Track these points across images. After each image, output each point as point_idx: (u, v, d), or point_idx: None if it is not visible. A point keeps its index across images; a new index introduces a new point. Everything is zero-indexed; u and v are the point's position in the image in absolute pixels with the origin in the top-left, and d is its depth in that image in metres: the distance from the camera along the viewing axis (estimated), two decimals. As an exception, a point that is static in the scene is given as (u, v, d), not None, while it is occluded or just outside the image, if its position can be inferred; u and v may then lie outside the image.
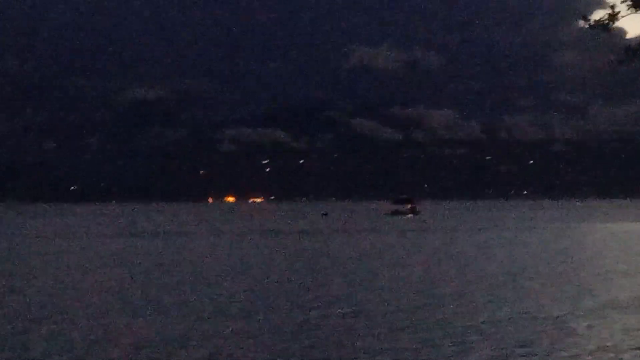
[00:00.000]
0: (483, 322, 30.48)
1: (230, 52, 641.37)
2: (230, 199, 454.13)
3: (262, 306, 35.65)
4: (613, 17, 8.40)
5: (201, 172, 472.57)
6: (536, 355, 24.61)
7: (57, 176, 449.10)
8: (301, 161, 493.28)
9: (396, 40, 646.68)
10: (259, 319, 31.91)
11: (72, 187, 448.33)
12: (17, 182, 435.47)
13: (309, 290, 41.38)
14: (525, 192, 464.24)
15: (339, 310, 33.94)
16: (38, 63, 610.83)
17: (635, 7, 7.70)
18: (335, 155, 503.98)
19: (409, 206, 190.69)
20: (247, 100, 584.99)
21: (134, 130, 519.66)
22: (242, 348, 26.07)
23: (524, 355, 24.61)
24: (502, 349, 25.30)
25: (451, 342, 26.58)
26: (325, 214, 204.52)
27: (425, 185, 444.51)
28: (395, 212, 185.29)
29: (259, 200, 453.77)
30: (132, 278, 48.60)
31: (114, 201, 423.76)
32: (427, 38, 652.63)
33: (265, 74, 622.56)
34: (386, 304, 35.90)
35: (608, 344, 26.05)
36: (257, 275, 50.10)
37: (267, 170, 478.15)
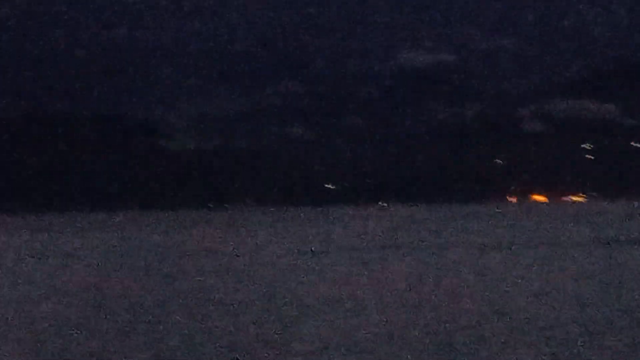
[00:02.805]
0: None
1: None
2: (539, 197, 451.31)
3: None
4: None
5: (497, 160, 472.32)
6: None
7: (304, 170, 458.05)
8: (634, 144, 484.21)
9: None
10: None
11: (327, 185, 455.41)
12: (255, 179, 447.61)
13: None
14: None
15: None
16: (281, 17, 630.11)
17: None
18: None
19: None
20: (562, 62, 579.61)
21: (409, 107, 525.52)
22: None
23: None
24: None
25: None
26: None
27: None
28: None
29: (579, 199, 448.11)
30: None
31: (381, 202, 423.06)
32: None
33: (590, 23, 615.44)
34: None
35: None
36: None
37: (590, 157, 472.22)
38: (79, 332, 46.95)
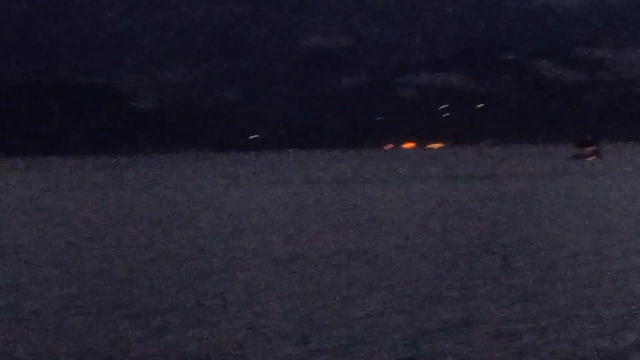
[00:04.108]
0: None
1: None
2: (409, 145, 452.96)
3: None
4: None
5: (378, 118, 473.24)
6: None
7: (238, 125, 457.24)
8: (480, 105, 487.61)
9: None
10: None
11: (252, 136, 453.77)
12: (197, 132, 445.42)
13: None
14: None
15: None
16: (218, 11, 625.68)
17: None
18: (516, 98, 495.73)
19: (592, 149, 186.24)
20: (425, 45, 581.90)
21: (314, 77, 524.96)
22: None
23: None
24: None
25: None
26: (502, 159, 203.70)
27: (610, 127, 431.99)
28: (578, 156, 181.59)
29: (438, 145, 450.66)
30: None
31: (290, 149, 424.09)
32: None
33: (444, 16, 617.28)
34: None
35: None
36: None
37: (446, 115, 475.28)
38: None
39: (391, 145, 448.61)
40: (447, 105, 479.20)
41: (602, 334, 20.16)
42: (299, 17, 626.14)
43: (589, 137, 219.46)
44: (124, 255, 37.18)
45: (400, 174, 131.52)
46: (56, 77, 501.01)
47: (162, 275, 31.29)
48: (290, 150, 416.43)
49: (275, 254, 36.13)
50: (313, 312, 23.15)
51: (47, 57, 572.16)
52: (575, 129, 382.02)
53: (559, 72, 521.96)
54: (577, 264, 31.20)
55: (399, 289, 26.34)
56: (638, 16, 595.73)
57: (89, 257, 36.41)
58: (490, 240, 40.67)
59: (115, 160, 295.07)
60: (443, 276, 29.24)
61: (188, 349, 19.67)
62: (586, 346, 19.07)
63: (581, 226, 45.26)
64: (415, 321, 21.72)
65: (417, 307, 23.51)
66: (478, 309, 23.32)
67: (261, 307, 24.27)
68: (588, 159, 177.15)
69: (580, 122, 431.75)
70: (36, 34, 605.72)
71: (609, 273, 29.05)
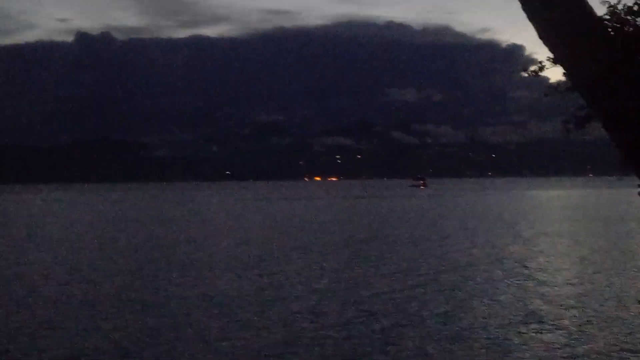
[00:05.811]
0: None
1: (317, 92, 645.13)
2: (318, 178, 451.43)
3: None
4: (541, 68, 8.32)
5: (300, 162, 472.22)
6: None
7: (218, 166, 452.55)
8: (359, 156, 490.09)
9: (416, 85, 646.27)
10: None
11: (227, 172, 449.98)
12: (193, 170, 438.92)
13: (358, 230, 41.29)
14: (489, 173, 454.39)
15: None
16: (202, 98, 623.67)
17: (554, 63, 7.85)
18: (379, 152, 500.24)
19: (422, 182, 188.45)
20: (328, 120, 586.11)
21: (261, 139, 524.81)
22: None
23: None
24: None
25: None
26: (371, 187, 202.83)
27: (431, 170, 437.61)
28: (414, 185, 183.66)
29: (334, 179, 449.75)
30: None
31: (251, 180, 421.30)
32: (434, 84, 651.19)
33: (339, 105, 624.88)
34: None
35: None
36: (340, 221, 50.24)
37: (339, 161, 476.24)
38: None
39: (307, 179, 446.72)
40: (339, 156, 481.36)
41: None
42: (252, 101, 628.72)
43: (420, 175, 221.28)
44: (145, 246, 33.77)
45: (313, 196, 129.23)
46: (101, 136, 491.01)
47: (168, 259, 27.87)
48: (250, 181, 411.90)
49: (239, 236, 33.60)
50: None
51: (99, 123, 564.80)
52: (413, 170, 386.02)
53: (404, 138, 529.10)
54: (405, 251, 29.28)
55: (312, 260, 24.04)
56: (450, 105, 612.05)
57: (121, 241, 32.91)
58: (370, 234, 38.79)
59: (140, 187, 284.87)
60: (329, 255, 26.97)
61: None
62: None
63: (406, 225, 43.81)
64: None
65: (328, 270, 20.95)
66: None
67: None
68: (420, 188, 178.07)
69: (416, 166, 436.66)
70: (92, 109, 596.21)
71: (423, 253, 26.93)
